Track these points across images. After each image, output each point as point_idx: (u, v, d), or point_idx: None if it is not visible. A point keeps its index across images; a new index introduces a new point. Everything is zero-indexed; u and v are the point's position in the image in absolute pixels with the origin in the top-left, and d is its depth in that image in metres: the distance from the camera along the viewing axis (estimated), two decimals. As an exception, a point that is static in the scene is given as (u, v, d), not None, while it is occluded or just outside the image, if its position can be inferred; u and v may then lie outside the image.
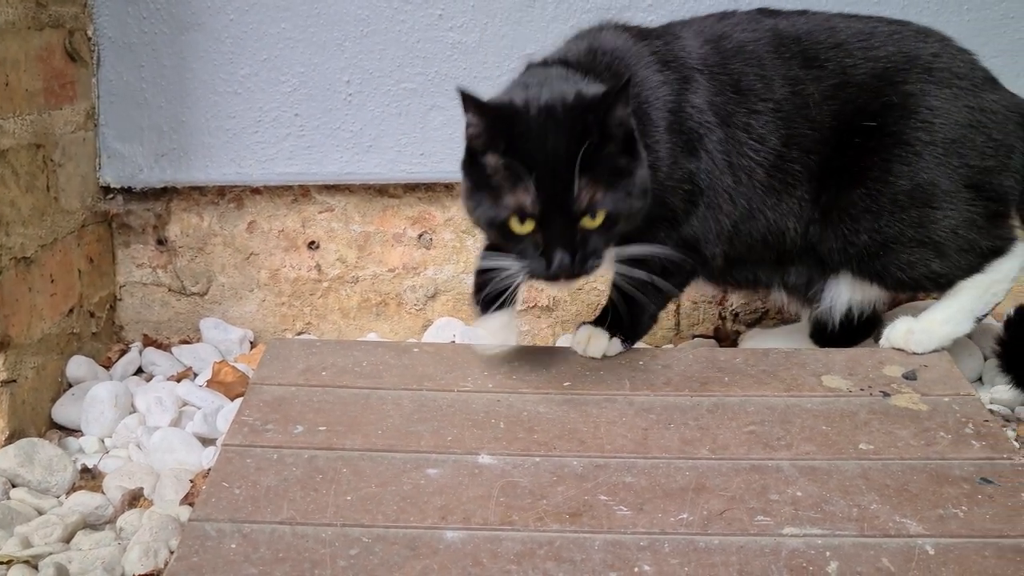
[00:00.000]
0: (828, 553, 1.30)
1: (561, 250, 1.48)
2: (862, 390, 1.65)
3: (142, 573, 1.42)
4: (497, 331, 1.69)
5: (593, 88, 1.55)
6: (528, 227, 1.50)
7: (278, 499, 1.38)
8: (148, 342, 2.25)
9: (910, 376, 1.67)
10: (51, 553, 1.51)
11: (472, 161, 1.55)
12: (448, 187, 2.21)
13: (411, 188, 2.23)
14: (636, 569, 1.27)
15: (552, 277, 1.51)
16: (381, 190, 2.23)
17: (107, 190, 2.19)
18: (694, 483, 1.43)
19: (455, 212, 2.23)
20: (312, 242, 2.26)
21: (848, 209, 1.69)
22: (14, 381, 1.83)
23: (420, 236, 2.25)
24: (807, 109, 1.69)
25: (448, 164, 2.09)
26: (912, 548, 1.31)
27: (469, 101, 1.49)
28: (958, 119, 1.67)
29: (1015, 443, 1.64)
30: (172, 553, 1.46)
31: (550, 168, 1.47)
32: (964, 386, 1.65)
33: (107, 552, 1.50)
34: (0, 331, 1.79)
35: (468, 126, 1.52)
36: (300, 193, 2.24)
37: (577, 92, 1.52)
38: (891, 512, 1.37)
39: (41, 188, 1.94)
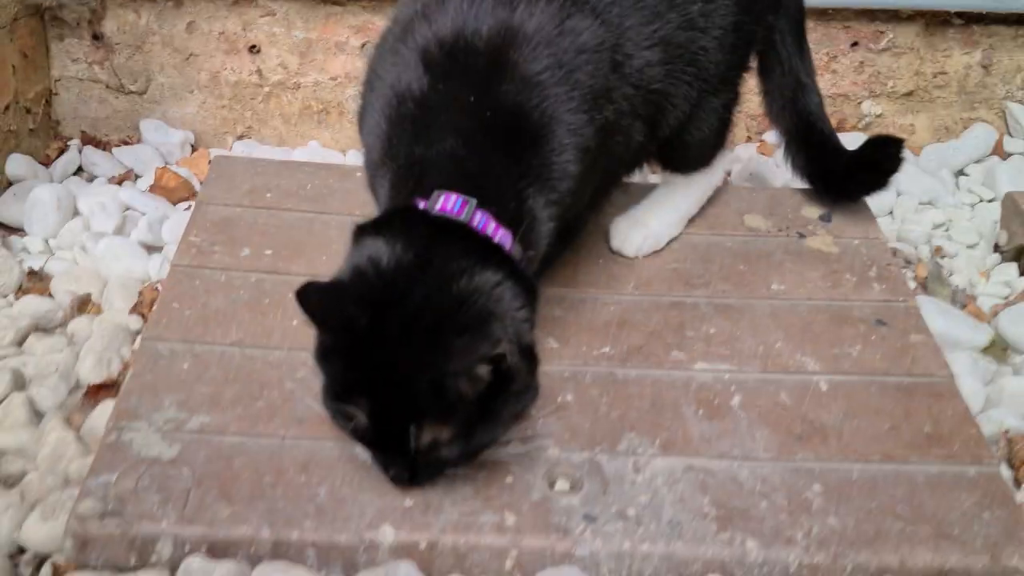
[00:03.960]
0: (733, 387, 1.43)
1: (398, 470, 1.21)
2: (780, 231, 1.75)
3: (97, 383, 1.51)
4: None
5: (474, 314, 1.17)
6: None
7: (227, 321, 1.46)
8: (87, 140, 2.25)
9: (826, 218, 1.78)
10: (4, 356, 1.59)
11: None
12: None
13: (355, -3, 2.20)
14: (560, 399, 1.39)
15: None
16: (324, -3, 2.20)
17: (37, -20, 2.13)
18: (617, 318, 1.54)
19: (398, 22, 2.22)
20: (253, 46, 2.24)
21: None
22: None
23: (363, 46, 2.24)
24: None
25: (393, -27, 2.07)
26: (808, 384, 1.45)
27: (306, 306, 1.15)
28: None
29: (911, 283, 1.78)
30: (124, 363, 1.55)
31: (387, 396, 1.15)
32: (874, 229, 1.76)
33: (61, 358, 1.57)
34: (-61, 133, 1.79)
35: None
36: (241, -7, 2.19)
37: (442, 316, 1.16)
38: (793, 351, 1.50)
39: (-29, -18, 1.88)
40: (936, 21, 2.28)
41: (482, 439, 1.20)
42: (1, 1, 1.99)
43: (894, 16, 2.26)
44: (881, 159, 1.78)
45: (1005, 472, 1.40)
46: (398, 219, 1.24)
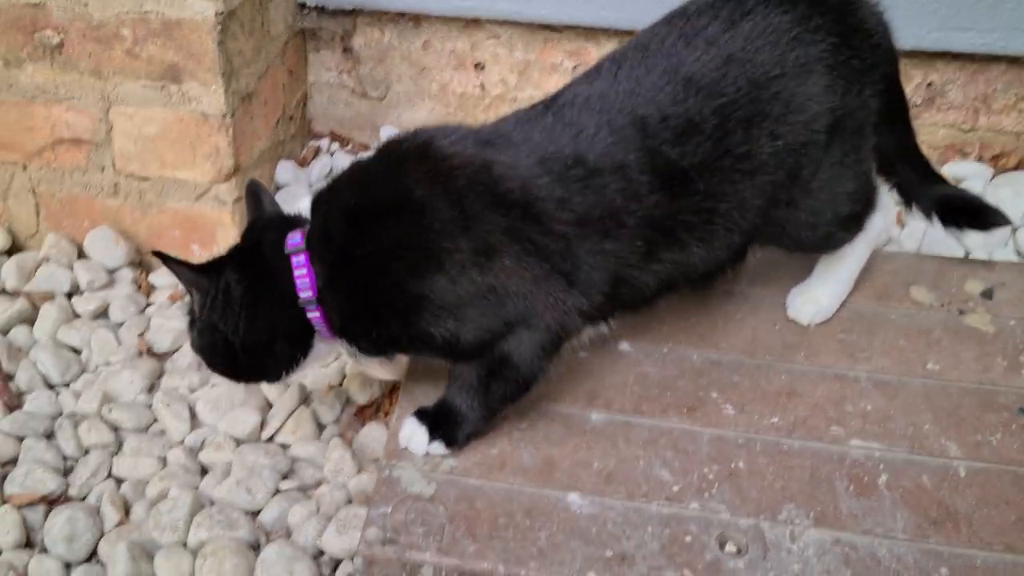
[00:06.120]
0: (882, 466, 1.70)
1: None
2: (942, 305, 1.96)
3: (363, 403, 1.91)
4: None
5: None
6: None
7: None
8: (334, 137, 2.61)
9: (987, 295, 1.97)
10: (289, 368, 1.99)
11: None
12: (604, 31, 2.42)
13: (571, 27, 2.44)
14: (732, 464, 1.70)
15: None
16: (545, 25, 2.45)
17: (302, 7, 2.45)
18: (787, 388, 1.82)
19: (609, 49, 2.45)
20: (478, 63, 2.52)
21: None
22: (242, 198, 2.23)
23: (575, 68, 2.49)
24: None
25: (607, 12, 2.32)
26: (948, 469, 1.70)
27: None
28: None
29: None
30: (382, 387, 1.93)
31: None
32: (1031, 310, 1.96)
33: (331, 374, 1.98)
34: (233, 162, 2.16)
35: None
36: (471, 19, 2.46)
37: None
38: (939, 434, 1.75)
39: (258, 27, 2.22)
40: None
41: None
42: (276, 33, 2.33)
43: (1088, 64, 2.36)
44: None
45: (1112, 565, 1.64)
46: (269, 225, 1.66)
